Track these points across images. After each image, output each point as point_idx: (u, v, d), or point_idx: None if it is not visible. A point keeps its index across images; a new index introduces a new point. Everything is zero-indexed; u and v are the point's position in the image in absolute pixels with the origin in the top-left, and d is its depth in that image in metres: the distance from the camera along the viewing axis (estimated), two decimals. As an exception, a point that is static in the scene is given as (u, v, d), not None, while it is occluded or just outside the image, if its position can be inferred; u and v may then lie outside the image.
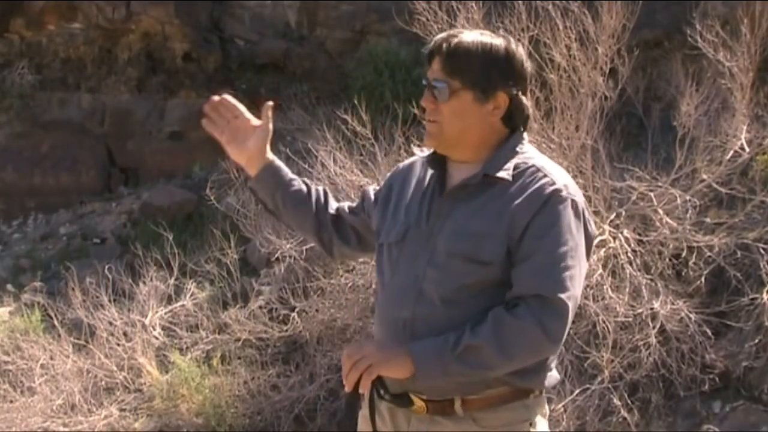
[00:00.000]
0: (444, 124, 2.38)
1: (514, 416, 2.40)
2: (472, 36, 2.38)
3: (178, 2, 10.75)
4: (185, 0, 10.81)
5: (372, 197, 2.65)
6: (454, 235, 2.36)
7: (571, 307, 2.27)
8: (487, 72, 2.35)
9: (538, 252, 2.28)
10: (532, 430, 2.43)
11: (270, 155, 2.65)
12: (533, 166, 2.37)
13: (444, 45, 2.36)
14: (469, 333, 2.26)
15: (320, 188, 2.71)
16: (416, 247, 2.40)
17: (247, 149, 2.62)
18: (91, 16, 10.84)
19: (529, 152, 2.42)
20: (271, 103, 2.67)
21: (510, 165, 2.37)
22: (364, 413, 2.48)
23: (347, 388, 2.32)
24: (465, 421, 2.39)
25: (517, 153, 2.40)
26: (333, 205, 2.70)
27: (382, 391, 2.39)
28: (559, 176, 2.37)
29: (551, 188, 2.32)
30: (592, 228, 2.41)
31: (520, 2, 6.08)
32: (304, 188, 2.67)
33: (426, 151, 2.53)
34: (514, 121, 2.43)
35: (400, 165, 2.65)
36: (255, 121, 2.63)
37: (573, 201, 2.34)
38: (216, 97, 2.63)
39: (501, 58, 2.37)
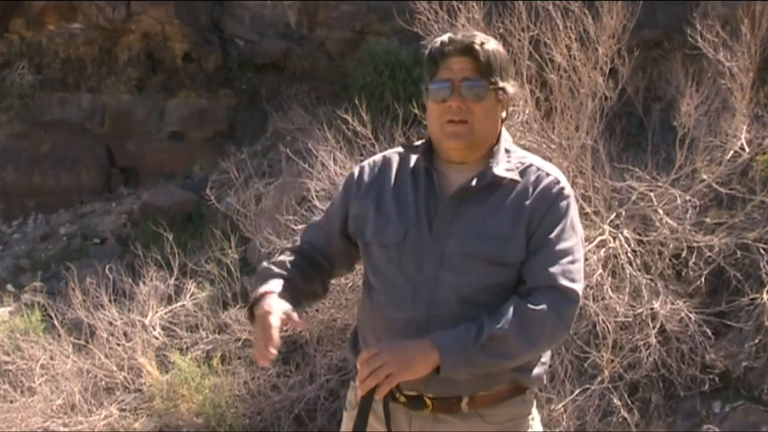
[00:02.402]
0: (475, 124, 2.39)
1: (516, 411, 2.45)
2: (485, 37, 2.45)
3: (178, 2, 10.76)
4: (185, 0, 10.81)
5: (339, 215, 2.55)
6: (469, 236, 2.36)
7: (581, 295, 2.39)
8: (504, 72, 2.44)
9: (548, 246, 2.36)
10: (532, 422, 2.49)
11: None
12: (532, 165, 2.45)
13: (474, 46, 2.38)
14: (490, 323, 2.28)
15: (293, 265, 2.54)
16: (421, 249, 2.38)
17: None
18: (91, 16, 10.85)
19: (518, 150, 2.50)
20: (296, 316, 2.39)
21: (511, 165, 2.43)
22: (352, 414, 2.44)
23: (360, 393, 2.29)
24: (471, 418, 2.40)
25: (509, 151, 2.46)
26: (314, 257, 2.58)
27: (397, 395, 2.38)
28: (558, 173, 2.46)
29: (557, 187, 2.41)
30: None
31: (521, 2, 6.07)
32: (290, 285, 2.47)
33: (400, 148, 2.55)
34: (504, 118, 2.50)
35: (365, 165, 2.56)
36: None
37: (573, 197, 2.44)
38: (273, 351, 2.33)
39: (507, 58, 2.49)
